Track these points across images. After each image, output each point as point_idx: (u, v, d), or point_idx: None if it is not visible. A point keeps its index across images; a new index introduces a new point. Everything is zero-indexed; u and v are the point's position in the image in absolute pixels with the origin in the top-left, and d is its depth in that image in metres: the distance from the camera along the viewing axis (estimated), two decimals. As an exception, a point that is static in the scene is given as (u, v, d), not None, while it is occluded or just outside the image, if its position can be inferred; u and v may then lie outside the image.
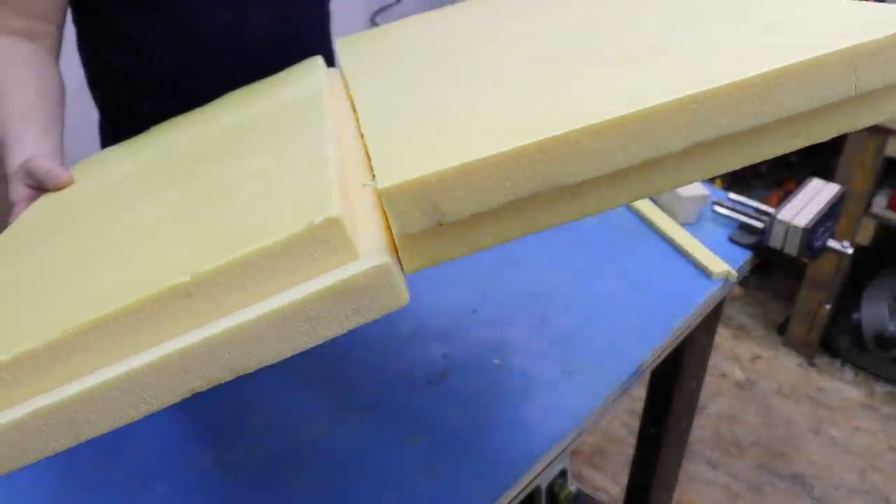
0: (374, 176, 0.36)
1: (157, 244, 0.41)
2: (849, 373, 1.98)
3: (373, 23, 2.48)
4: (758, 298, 2.22)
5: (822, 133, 0.38)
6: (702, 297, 0.83)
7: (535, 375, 0.74)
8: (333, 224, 0.33)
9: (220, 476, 0.65)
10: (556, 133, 0.33)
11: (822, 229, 0.90)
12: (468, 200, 0.34)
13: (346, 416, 0.69)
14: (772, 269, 2.27)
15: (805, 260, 0.91)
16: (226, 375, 0.34)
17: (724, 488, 1.68)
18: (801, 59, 0.34)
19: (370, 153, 0.40)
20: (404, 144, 0.38)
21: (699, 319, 0.84)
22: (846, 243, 0.92)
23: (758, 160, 0.37)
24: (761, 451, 1.76)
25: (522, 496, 0.65)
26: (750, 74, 0.33)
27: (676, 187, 0.37)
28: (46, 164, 0.66)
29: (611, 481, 1.69)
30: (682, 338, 0.83)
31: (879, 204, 1.74)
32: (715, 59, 0.37)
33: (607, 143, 0.33)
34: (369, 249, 0.35)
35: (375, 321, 0.78)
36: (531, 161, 0.33)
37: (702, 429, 1.81)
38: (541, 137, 0.33)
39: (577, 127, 0.33)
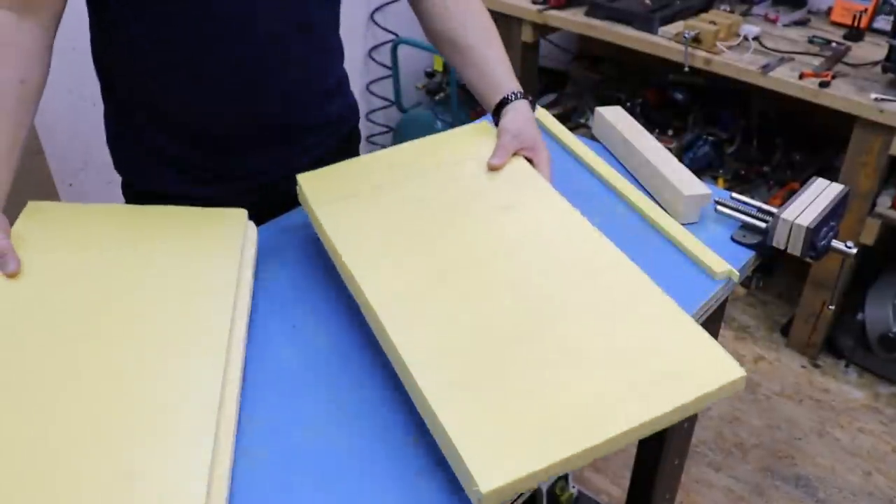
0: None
1: None
2: (853, 374, 1.97)
3: (372, 20, 2.47)
4: (760, 299, 2.22)
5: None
6: (704, 297, 0.83)
7: (535, 376, 0.73)
8: None
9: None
10: (593, 443, 0.59)
11: (825, 229, 0.90)
12: (534, 482, 0.56)
13: (346, 417, 0.68)
14: (775, 269, 2.26)
15: (809, 260, 0.90)
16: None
17: (726, 491, 1.67)
18: (668, 408, 0.67)
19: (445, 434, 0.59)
20: (483, 443, 0.57)
21: (701, 320, 0.83)
22: (850, 243, 0.91)
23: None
24: (764, 454, 1.76)
25: (524, 498, 0.64)
26: (648, 418, 0.65)
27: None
28: (1, 244, 0.69)
29: (612, 484, 1.68)
30: (684, 338, 0.83)
31: (884, 203, 1.73)
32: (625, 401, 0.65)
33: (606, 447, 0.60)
34: None
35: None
36: (577, 458, 0.58)
37: (704, 430, 1.80)
38: (588, 445, 0.58)
39: (598, 442, 0.59)
